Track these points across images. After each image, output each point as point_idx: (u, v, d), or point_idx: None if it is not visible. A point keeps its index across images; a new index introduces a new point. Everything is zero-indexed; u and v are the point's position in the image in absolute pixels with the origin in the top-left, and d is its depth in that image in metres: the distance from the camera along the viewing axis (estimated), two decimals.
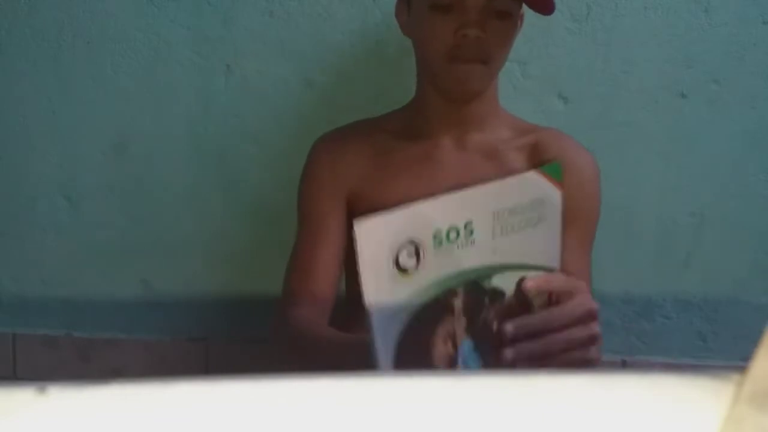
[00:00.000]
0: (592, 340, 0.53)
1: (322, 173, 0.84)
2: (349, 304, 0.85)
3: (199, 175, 1.13)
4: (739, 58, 1.05)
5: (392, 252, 0.49)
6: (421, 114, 0.82)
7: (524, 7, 0.77)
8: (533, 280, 0.53)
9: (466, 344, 0.53)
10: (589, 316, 0.53)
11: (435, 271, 0.51)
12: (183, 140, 1.13)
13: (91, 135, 1.13)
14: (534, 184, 0.53)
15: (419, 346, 0.51)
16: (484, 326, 0.53)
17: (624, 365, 1.13)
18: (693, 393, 0.23)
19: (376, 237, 0.49)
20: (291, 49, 1.09)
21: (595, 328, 0.53)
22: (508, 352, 0.51)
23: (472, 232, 0.51)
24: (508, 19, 0.74)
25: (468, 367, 0.53)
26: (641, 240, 1.10)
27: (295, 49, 1.09)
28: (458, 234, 0.51)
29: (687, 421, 0.22)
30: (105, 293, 1.17)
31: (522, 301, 0.53)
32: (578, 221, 0.77)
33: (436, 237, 0.50)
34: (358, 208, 0.81)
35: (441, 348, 0.52)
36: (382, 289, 0.49)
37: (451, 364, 0.52)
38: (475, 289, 0.53)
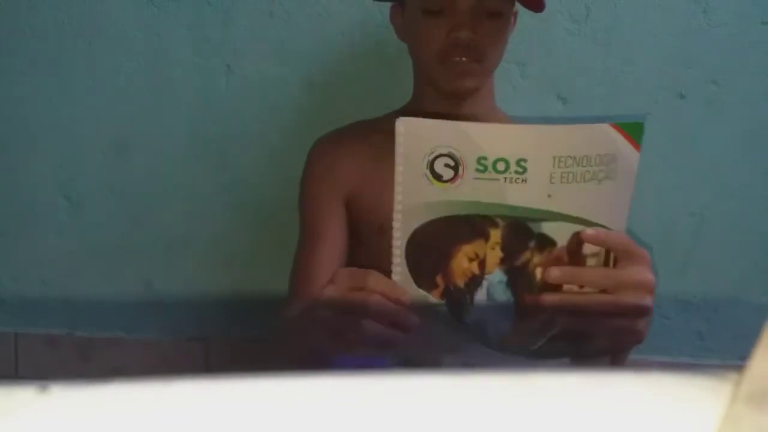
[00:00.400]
0: (643, 311, 0.50)
1: (321, 175, 0.84)
2: None
3: (200, 174, 1.13)
4: (738, 59, 1.06)
5: (429, 155, 0.49)
6: (419, 114, 0.82)
7: (518, 5, 0.77)
8: (595, 231, 0.50)
9: (497, 275, 0.51)
10: (646, 287, 0.50)
11: (474, 194, 0.49)
12: (183, 140, 1.13)
13: (92, 135, 1.13)
14: (607, 138, 0.50)
15: (439, 249, 0.50)
16: (525, 269, 0.51)
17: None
18: (691, 392, 0.23)
19: (415, 135, 0.49)
20: (291, 49, 1.09)
21: (650, 300, 0.50)
22: (548, 297, 0.50)
23: (525, 170, 0.49)
24: (500, 19, 0.74)
25: (493, 298, 0.51)
26: (641, 240, 1.10)
27: (295, 49, 1.09)
28: (507, 167, 0.49)
29: (685, 421, 0.22)
30: (106, 293, 1.17)
31: (574, 256, 0.51)
32: None
33: (481, 162, 0.49)
34: (357, 209, 0.81)
35: (464, 263, 0.51)
36: (412, 189, 0.49)
37: (471, 284, 0.51)
38: (520, 229, 0.50)
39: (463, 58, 0.73)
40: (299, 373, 0.23)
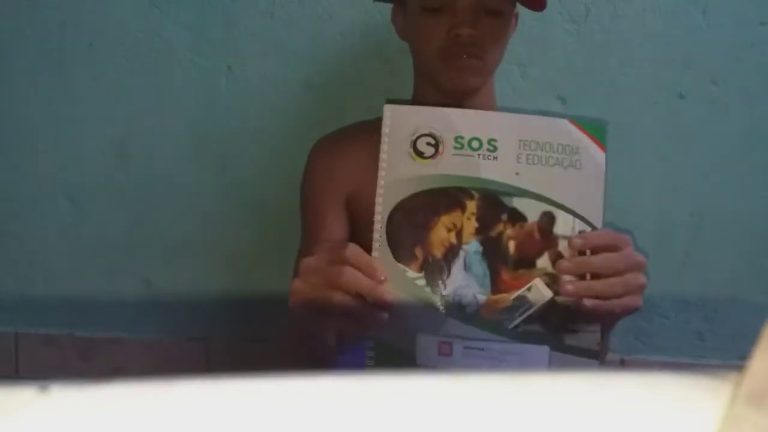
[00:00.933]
0: (642, 288, 0.57)
1: (322, 175, 0.84)
2: None
3: (200, 175, 1.13)
4: (738, 59, 1.06)
5: (413, 135, 0.56)
6: None
7: (519, 6, 0.77)
8: (581, 237, 0.55)
9: (474, 245, 0.56)
10: (639, 267, 0.57)
11: (452, 168, 0.56)
12: (184, 140, 1.13)
13: (93, 135, 1.13)
14: (567, 131, 0.56)
15: (419, 221, 0.55)
16: (499, 240, 0.56)
17: (622, 364, 1.13)
18: (691, 392, 0.23)
19: (400, 118, 0.56)
20: (292, 50, 1.09)
21: (643, 278, 0.57)
22: (569, 286, 0.54)
23: (495, 149, 0.56)
24: (501, 18, 0.74)
25: (470, 268, 0.55)
26: (640, 239, 1.10)
27: (295, 50, 1.09)
28: (480, 145, 0.56)
29: (685, 421, 0.22)
30: (107, 293, 1.17)
31: (545, 234, 0.56)
32: None
33: (458, 140, 0.56)
34: (357, 209, 0.81)
35: (443, 233, 0.56)
36: (396, 165, 0.56)
37: (449, 255, 0.55)
38: (493, 201, 0.56)
39: (464, 55, 0.73)
40: (300, 373, 0.23)
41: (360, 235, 0.81)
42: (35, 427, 0.22)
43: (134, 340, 1.17)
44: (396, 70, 1.06)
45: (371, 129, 0.85)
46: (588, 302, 0.55)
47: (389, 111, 0.56)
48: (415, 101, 0.84)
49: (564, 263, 0.55)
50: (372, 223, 0.79)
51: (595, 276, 0.56)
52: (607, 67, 1.07)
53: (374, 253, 0.56)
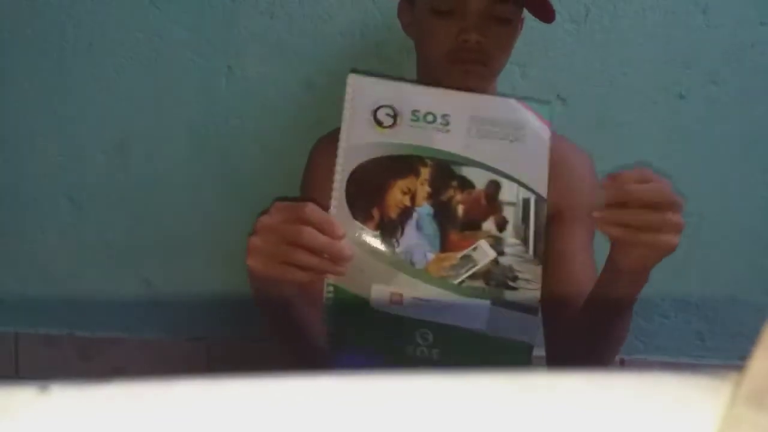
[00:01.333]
0: (679, 228, 0.56)
1: (322, 175, 0.84)
2: None
3: (201, 175, 1.13)
4: (738, 59, 1.06)
5: (374, 106, 0.61)
6: None
7: (524, 12, 0.77)
8: (619, 176, 0.57)
9: (426, 208, 0.61)
10: (677, 205, 0.56)
11: (408, 138, 0.61)
12: (184, 141, 1.13)
13: (94, 135, 1.13)
14: (514, 109, 0.62)
15: (376, 183, 0.61)
16: (449, 204, 0.61)
17: (622, 364, 1.13)
18: (691, 392, 0.23)
19: (363, 89, 0.62)
20: (292, 50, 1.09)
21: (681, 218, 0.56)
22: (597, 213, 0.56)
23: (448, 123, 0.62)
24: (509, 25, 0.75)
25: (421, 228, 0.61)
26: None
27: (295, 50, 1.09)
28: (434, 119, 0.62)
29: (685, 421, 0.22)
30: (107, 293, 1.17)
31: (490, 200, 0.61)
32: (580, 219, 0.77)
33: (414, 114, 0.62)
34: None
35: (398, 195, 0.61)
36: (357, 131, 0.61)
37: (403, 216, 0.61)
38: (444, 169, 0.61)
39: (470, 61, 0.73)
40: (299, 374, 0.23)
41: None
42: (35, 427, 0.22)
43: (134, 340, 1.17)
44: (396, 69, 1.06)
45: None
46: (617, 231, 0.55)
47: (352, 80, 0.61)
48: None
49: (596, 213, 0.56)
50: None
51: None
52: (607, 67, 1.07)
53: (332, 211, 0.60)
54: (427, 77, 0.81)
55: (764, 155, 1.08)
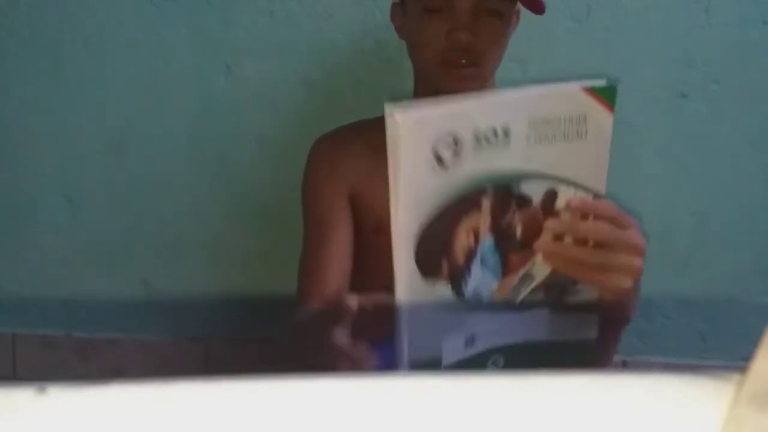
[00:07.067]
0: (636, 271, 0.53)
1: (324, 173, 0.84)
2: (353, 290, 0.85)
3: (199, 175, 1.13)
4: (740, 58, 1.05)
5: (432, 141, 0.50)
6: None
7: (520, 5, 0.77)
8: (580, 198, 0.53)
9: (487, 240, 0.54)
10: (636, 250, 0.53)
11: (471, 168, 0.52)
12: (183, 140, 1.13)
13: (91, 135, 1.13)
14: (577, 100, 0.53)
15: (443, 234, 0.53)
16: (507, 228, 0.55)
17: (624, 366, 1.13)
18: (694, 393, 0.23)
19: (414, 125, 0.49)
20: (291, 48, 1.09)
21: (641, 262, 0.53)
22: (543, 243, 0.53)
23: (507, 135, 0.52)
24: (501, 19, 0.74)
25: (485, 263, 0.55)
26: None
27: (295, 48, 1.09)
28: (496, 135, 0.52)
29: (688, 422, 0.22)
30: (105, 293, 1.17)
31: (547, 212, 0.54)
32: None
33: (476, 135, 0.51)
34: (358, 207, 0.81)
35: (463, 239, 0.54)
36: (414, 181, 0.50)
37: (469, 256, 0.54)
38: (504, 192, 0.54)
39: (463, 61, 0.73)
40: (298, 375, 0.22)
41: (358, 234, 0.81)
42: (33, 427, 0.22)
43: (132, 341, 1.17)
44: (396, 68, 1.06)
45: (372, 128, 0.85)
46: (560, 264, 0.53)
47: (400, 119, 0.48)
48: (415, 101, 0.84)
49: (551, 222, 0.53)
50: (371, 223, 0.79)
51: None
52: (608, 65, 1.07)
53: (399, 277, 0.53)
54: (423, 83, 0.81)
55: (766, 155, 1.08)
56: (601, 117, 0.54)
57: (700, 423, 0.22)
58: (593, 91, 0.53)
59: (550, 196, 0.54)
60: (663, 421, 0.21)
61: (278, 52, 1.09)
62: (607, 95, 0.53)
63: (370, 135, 0.84)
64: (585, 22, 1.06)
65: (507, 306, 0.57)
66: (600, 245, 0.53)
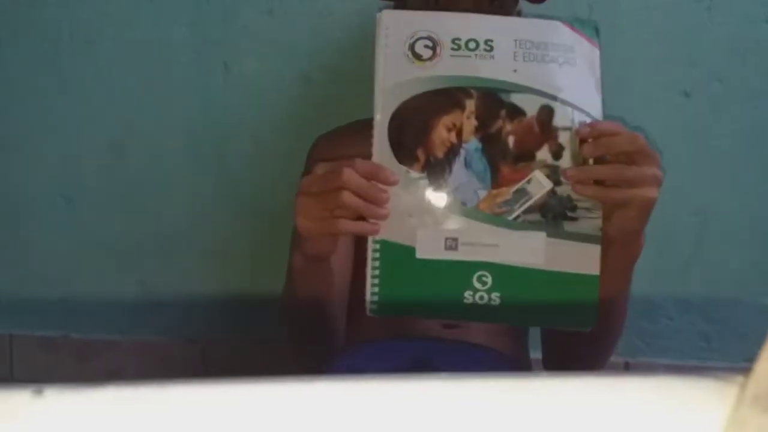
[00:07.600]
0: (658, 180, 0.55)
1: None
2: (353, 296, 0.85)
3: (198, 174, 1.13)
4: (742, 57, 1.05)
5: (411, 39, 0.58)
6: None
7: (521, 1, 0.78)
8: (590, 126, 0.56)
9: (473, 143, 0.57)
10: (656, 161, 0.55)
11: (450, 69, 0.57)
12: (181, 139, 1.13)
13: (90, 134, 1.13)
14: (560, 31, 0.59)
15: (420, 123, 0.57)
16: (498, 136, 0.57)
17: (626, 367, 1.13)
18: (696, 395, 0.22)
19: (397, 23, 0.58)
20: (290, 47, 1.09)
21: (659, 171, 0.55)
22: (571, 170, 0.55)
23: (492, 48, 0.57)
24: (501, 11, 0.74)
25: (470, 165, 0.57)
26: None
27: (294, 47, 1.09)
28: (477, 45, 0.57)
29: (690, 423, 0.22)
30: (102, 294, 1.16)
31: (544, 127, 0.57)
32: None
33: (455, 42, 0.57)
34: None
35: (443, 133, 0.57)
36: (394, 69, 0.58)
37: (450, 154, 0.57)
38: (491, 99, 0.57)
39: None
40: (296, 377, 0.22)
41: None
42: (31, 429, 0.22)
43: (130, 342, 1.17)
44: None
45: (371, 127, 0.85)
46: (591, 190, 0.55)
47: (386, 16, 0.58)
48: None
49: (569, 169, 0.55)
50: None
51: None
52: (610, 64, 1.06)
53: (375, 157, 0.58)
54: None
55: None
56: (586, 49, 0.59)
57: (702, 425, 0.22)
58: (574, 26, 0.59)
59: (546, 112, 0.57)
60: (666, 423, 0.21)
61: (277, 51, 1.09)
62: (588, 30, 0.59)
63: (369, 135, 0.84)
64: None
65: (497, 220, 0.57)
66: (624, 161, 0.54)
